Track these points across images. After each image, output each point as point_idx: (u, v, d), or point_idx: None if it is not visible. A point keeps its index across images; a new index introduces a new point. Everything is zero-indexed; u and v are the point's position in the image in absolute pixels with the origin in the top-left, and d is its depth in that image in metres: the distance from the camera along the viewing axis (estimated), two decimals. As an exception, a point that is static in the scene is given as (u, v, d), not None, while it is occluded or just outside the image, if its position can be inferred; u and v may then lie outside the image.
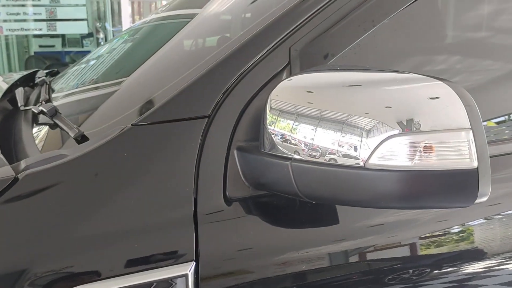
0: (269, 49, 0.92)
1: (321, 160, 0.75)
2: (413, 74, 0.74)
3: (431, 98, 0.69)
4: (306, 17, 0.94)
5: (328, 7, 0.95)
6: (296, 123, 0.78)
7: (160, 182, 0.85)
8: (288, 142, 0.79)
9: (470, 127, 0.68)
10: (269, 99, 0.83)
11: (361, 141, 0.71)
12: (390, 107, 0.70)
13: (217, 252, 0.84)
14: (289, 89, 0.81)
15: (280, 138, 0.80)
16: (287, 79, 0.83)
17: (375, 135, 0.70)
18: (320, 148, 0.75)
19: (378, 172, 0.70)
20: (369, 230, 0.91)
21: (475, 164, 0.68)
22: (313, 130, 0.76)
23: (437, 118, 0.68)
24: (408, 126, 0.68)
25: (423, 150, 0.68)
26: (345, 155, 0.73)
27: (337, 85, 0.77)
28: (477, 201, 0.69)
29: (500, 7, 1.26)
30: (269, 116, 0.82)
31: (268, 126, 0.83)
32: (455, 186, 0.68)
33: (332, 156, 0.74)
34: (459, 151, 0.68)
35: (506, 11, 1.25)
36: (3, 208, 0.78)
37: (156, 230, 0.83)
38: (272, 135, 0.82)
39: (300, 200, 0.88)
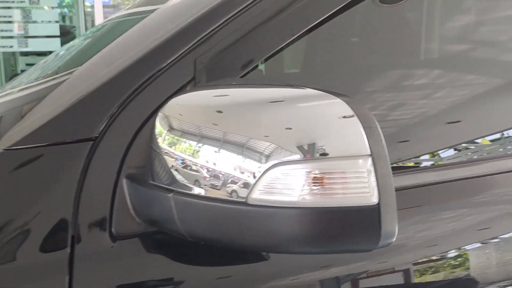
0: (171, 61, 0.80)
1: (203, 193, 0.62)
2: (308, 89, 0.62)
3: (323, 119, 0.57)
4: (215, 26, 0.83)
5: (241, 15, 0.84)
6: (180, 147, 0.66)
7: (32, 216, 0.72)
8: (171, 170, 0.66)
9: (369, 153, 0.55)
10: (156, 118, 0.71)
11: (244, 172, 0.58)
12: (270, 131, 0.57)
13: None
14: (174, 108, 0.69)
15: (162, 165, 0.68)
16: (174, 97, 0.71)
17: (258, 163, 0.57)
18: (203, 178, 0.62)
19: (260, 208, 0.57)
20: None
21: (375, 199, 0.55)
22: (196, 156, 0.63)
23: (331, 143, 0.56)
24: (304, 152, 0.56)
25: (312, 182, 0.55)
26: (229, 188, 0.60)
27: (225, 103, 0.65)
28: (382, 243, 0.56)
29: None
30: (154, 139, 0.70)
31: (154, 150, 0.70)
32: (352, 227, 0.55)
33: (218, 189, 0.61)
34: (355, 183, 0.55)
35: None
36: None
37: (22, 274, 0.70)
38: (155, 161, 0.69)
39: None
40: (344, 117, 0.56)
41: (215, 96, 0.67)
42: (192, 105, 0.68)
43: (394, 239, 0.57)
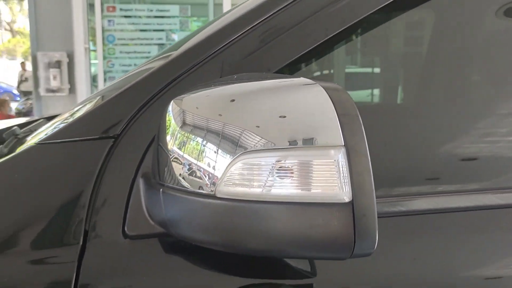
0: (198, 62, 0.80)
1: (183, 187, 0.59)
2: (293, 79, 0.56)
3: (297, 105, 0.51)
4: (242, 31, 0.81)
5: (268, 21, 0.81)
6: (165, 142, 0.64)
7: (52, 206, 0.74)
8: (160, 165, 0.64)
9: (343, 144, 0.48)
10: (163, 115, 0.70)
11: (215, 163, 0.54)
12: (248, 119, 0.52)
13: None
14: (177, 106, 0.67)
15: (156, 160, 0.66)
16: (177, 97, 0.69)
17: (227, 154, 0.53)
18: (184, 172, 0.59)
19: (226, 202, 0.52)
20: None
21: (346, 197, 0.47)
22: (182, 150, 0.61)
23: (301, 131, 0.49)
24: (273, 141, 0.50)
25: (278, 174, 0.49)
26: (203, 180, 0.56)
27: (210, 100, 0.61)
28: (357, 252, 0.47)
29: None
30: (160, 135, 0.69)
31: (159, 146, 0.69)
32: (320, 229, 0.47)
33: (196, 181, 0.57)
34: (325, 177, 0.48)
35: None
36: None
37: (36, 261, 0.72)
38: (154, 157, 0.68)
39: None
40: (319, 103, 0.49)
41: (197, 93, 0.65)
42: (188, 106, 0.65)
43: (374, 249, 0.47)
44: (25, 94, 11.30)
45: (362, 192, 0.47)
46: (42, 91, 5.89)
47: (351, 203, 0.47)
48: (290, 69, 0.81)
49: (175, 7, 5.65)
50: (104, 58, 5.62)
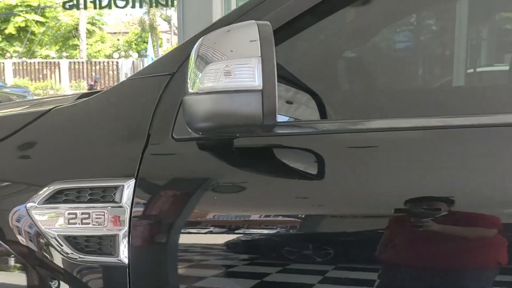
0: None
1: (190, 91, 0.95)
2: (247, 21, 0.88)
3: (243, 35, 0.83)
4: None
5: None
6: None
7: (134, 116, 1.15)
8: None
9: (260, 55, 0.79)
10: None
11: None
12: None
13: (154, 174, 1.09)
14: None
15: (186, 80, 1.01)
16: None
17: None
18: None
19: (198, 96, 0.87)
20: None
21: (259, 86, 0.78)
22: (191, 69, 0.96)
23: (241, 48, 0.82)
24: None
25: (225, 74, 0.82)
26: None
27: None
28: (266, 122, 0.78)
29: None
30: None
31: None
32: (244, 105, 0.80)
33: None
34: (249, 75, 0.80)
35: None
36: None
37: (114, 152, 1.13)
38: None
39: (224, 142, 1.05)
40: (252, 31, 0.81)
41: None
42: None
43: (276, 120, 0.78)
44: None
45: (267, 83, 0.78)
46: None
47: (262, 89, 0.78)
48: None
49: None
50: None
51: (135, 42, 34.22)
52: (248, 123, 0.82)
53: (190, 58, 0.95)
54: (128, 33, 35.74)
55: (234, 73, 0.81)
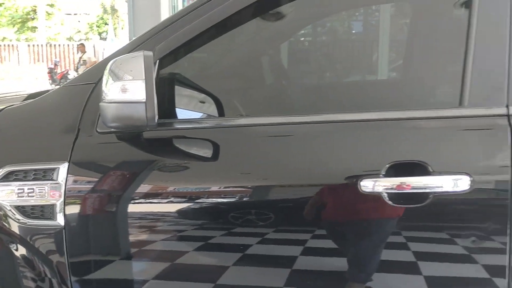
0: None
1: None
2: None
3: (135, 62, 1.22)
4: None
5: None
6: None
7: (68, 116, 1.52)
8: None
9: (144, 78, 1.18)
10: None
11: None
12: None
13: (82, 158, 1.46)
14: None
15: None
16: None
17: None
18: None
19: (107, 104, 1.26)
20: None
21: (143, 99, 1.17)
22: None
23: (134, 72, 1.21)
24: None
25: (121, 90, 1.21)
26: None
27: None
28: (149, 123, 1.18)
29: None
30: None
31: None
32: (134, 112, 1.19)
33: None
34: (137, 92, 1.19)
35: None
36: None
37: (52, 142, 1.50)
38: None
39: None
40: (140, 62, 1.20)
41: None
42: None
43: (155, 122, 1.18)
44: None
45: (148, 97, 1.18)
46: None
47: (145, 102, 1.17)
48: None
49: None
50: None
51: (96, 24, 33.81)
52: (138, 124, 1.23)
53: (104, 73, 1.33)
54: (89, 14, 35.23)
55: (128, 89, 1.20)
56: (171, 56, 1.42)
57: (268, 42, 2.14)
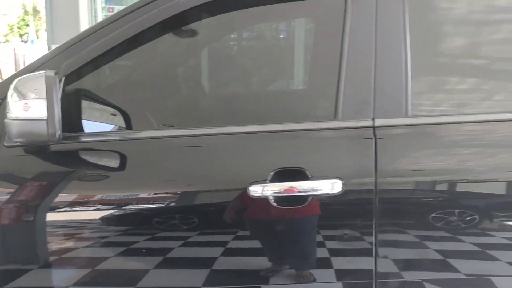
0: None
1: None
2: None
3: (38, 82, 1.31)
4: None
5: None
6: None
7: None
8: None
9: (45, 97, 1.28)
10: None
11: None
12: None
13: None
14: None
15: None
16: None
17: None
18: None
19: (10, 120, 1.34)
20: None
21: (45, 117, 1.28)
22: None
23: (36, 91, 1.30)
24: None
25: (24, 108, 1.30)
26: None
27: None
28: (50, 138, 1.28)
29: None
30: None
31: None
32: (37, 129, 1.29)
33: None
34: (39, 110, 1.28)
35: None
36: None
37: None
38: None
39: None
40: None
41: None
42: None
43: (56, 137, 1.28)
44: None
45: (50, 115, 1.27)
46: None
47: (46, 119, 1.27)
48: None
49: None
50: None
51: (17, 25, 32.34)
52: (41, 139, 1.33)
53: (9, 91, 1.40)
54: (7, 15, 33.62)
55: (30, 108, 1.29)
56: (80, 71, 1.53)
57: (180, 56, 2.27)
